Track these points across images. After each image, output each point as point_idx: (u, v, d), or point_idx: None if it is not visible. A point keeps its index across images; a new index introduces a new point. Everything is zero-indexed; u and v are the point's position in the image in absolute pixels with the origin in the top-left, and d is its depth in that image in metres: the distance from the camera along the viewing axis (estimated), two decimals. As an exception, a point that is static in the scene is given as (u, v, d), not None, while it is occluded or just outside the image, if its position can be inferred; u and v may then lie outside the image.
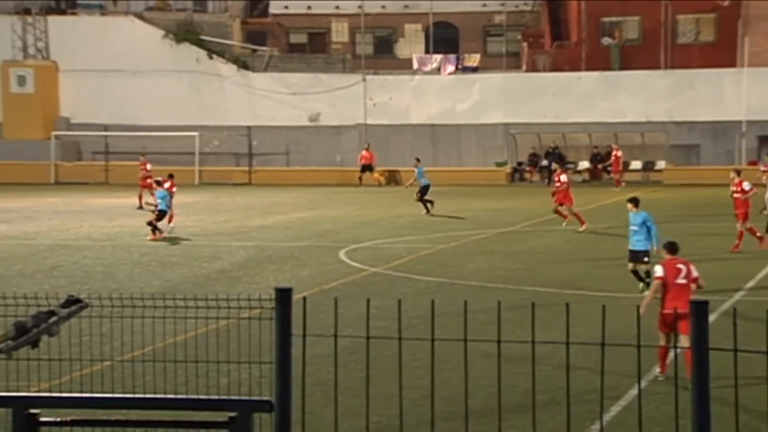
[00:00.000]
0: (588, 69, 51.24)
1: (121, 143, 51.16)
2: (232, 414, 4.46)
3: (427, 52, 55.24)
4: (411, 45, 58.19)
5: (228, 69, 52.83)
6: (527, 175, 50.51)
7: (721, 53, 50.14)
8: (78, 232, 29.24)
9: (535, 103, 50.46)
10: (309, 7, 59.20)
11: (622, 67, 51.65)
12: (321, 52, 57.97)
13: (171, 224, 28.68)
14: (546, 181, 48.38)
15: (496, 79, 52.12)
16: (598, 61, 51.41)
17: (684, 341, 11.22)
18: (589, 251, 23.83)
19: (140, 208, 35.07)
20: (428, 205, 33.73)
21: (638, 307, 5.43)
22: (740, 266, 21.69)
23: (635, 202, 18.86)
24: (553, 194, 29.76)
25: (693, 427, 4.23)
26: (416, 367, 10.83)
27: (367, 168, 49.26)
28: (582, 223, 28.30)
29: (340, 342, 5.20)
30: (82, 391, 5.75)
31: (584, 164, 50.11)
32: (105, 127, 51.61)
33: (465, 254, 24.28)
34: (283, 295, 4.53)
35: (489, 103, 50.97)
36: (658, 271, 12.62)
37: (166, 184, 29.24)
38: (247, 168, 51.28)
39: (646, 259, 18.21)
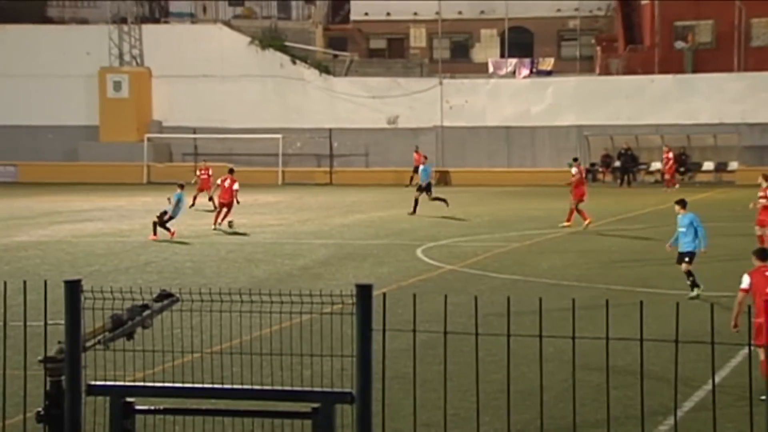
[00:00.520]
0: (661, 72, 51.59)
1: (209, 145, 52.76)
2: (315, 405, 4.51)
3: (502, 56, 55.71)
4: (486, 49, 58.50)
5: (310, 74, 54.00)
6: (600, 176, 51.14)
7: (795, 56, 50.28)
8: (180, 230, 29.27)
9: (608, 106, 51.12)
10: (388, 14, 59.78)
11: (695, 70, 51.88)
12: (399, 57, 58.74)
13: (229, 219, 29.43)
14: (618, 181, 49.26)
15: (570, 82, 52.71)
16: (671, 65, 51.75)
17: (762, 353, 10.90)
18: (661, 250, 22.68)
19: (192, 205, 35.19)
20: (441, 201, 33.51)
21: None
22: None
23: (683, 203, 18.70)
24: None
25: (767, 422, 4.39)
26: (492, 361, 11.11)
27: (418, 169, 50.13)
28: (568, 220, 28.79)
29: (418, 337, 5.21)
30: (173, 381, 5.72)
31: (656, 165, 50.69)
32: (194, 130, 53.10)
33: (539, 252, 24.32)
34: (364, 291, 4.54)
35: (563, 106, 51.67)
36: (744, 281, 11.52)
37: (227, 182, 29.68)
38: (328, 169, 52.38)
39: (687, 259, 18.10)
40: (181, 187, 28.55)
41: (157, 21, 58.52)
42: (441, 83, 53.10)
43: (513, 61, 54.16)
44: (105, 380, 4.92)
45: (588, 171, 51.53)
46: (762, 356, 10.93)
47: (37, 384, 5.43)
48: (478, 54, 59.53)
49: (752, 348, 10.63)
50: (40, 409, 4.95)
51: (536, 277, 20.61)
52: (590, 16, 57.58)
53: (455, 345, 11.33)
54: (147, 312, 5.21)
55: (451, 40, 59.49)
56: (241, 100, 53.76)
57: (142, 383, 5.33)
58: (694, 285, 17.90)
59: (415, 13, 59.44)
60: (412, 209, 33.53)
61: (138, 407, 4.69)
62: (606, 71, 53.89)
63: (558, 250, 25.08)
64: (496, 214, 33.69)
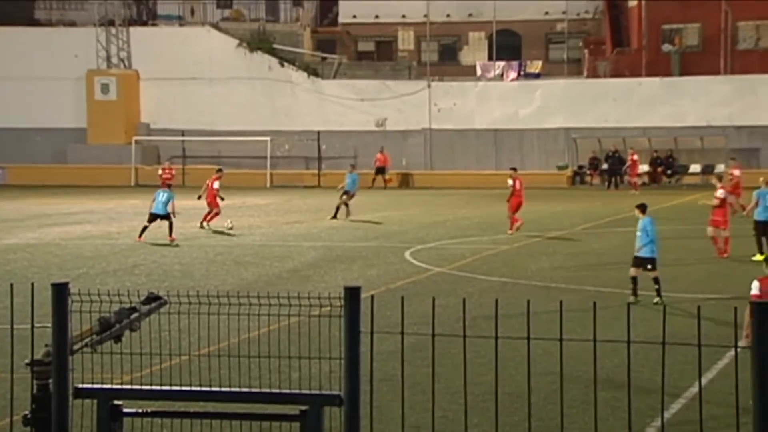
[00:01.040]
0: (648, 75, 51.84)
1: (197, 147, 52.77)
2: (304, 407, 4.53)
3: (490, 59, 55.80)
4: (475, 52, 58.74)
5: (299, 76, 54.02)
6: (588, 179, 51.36)
7: (781, 59, 50.59)
8: (157, 232, 29.01)
9: (596, 109, 51.32)
10: (376, 16, 59.83)
11: (683, 73, 52.11)
12: (388, 60, 58.78)
13: (227, 222, 29.91)
14: (606, 184, 49.43)
15: (558, 85, 52.91)
16: (659, 68, 51.97)
17: None
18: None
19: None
20: (341, 210, 33.02)
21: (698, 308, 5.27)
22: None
23: (642, 208, 18.39)
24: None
25: (755, 426, 4.19)
26: (480, 364, 11.13)
27: (380, 170, 50.30)
28: (511, 226, 28.97)
29: (406, 339, 5.22)
30: (161, 384, 5.74)
31: (644, 168, 50.95)
32: (182, 132, 53.02)
33: (528, 255, 24.43)
34: (352, 294, 4.55)
35: (551, 109, 51.86)
36: (754, 287, 11.12)
37: (211, 182, 30.70)
38: (316, 171, 52.57)
39: (650, 266, 17.67)
40: (169, 186, 29.32)
41: (144, 23, 58.46)
42: (429, 86, 53.23)
43: (501, 63, 54.33)
44: (92, 383, 4.91)
45: (576, 174, 51.86)
46: None
47: (24, 387, 5.46)
48: (466, 57, 59.68)
49: (738, 350, 10.72)
50: (27, 412, 4.96)
51: (525, 279, 20.71)
52: (578, 18, 57.81)
53: (443, 347, 11.32)
54: (135, 315, 5.21)
55: (440, 42, 59.65)
56: (229, 102, 53.80)
57: (129, 386, 5.35)
58: (635, 291, 17.42)
59: (404, 16, 59.56)
60: (334, 214, 33.24)
61: (126, 410, 4.69)
62: (594, 74, 54.11)
63: (547, 252, 25.20)
64: (485, 216, 33.84)
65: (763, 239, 23.50)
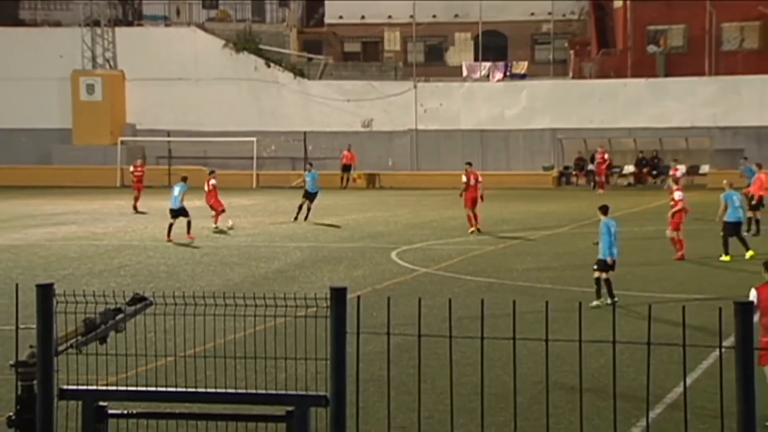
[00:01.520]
0: (634, 76, 52.02)
1: (183, 148, 52.71)
2: (290, 408, 4.55)
3: (476, 59, 55.87)
4: (461, 53, 58.79)
5: (285, 77, 53.96)
6: (574, 179, 51.56)
7: (765, 60, 50.71)
8: (143, 233, 29.78)
9: (581, 109, 51.48)
10: (363, 17, 59.74)
11: (668, 74, 52.33)
12: (374, 60, 58.84)
13: (228, 222, 30.07)
14: (592, 184, 49.58)
15: (544, 85, 53.04)
16: (644, 68, 52.17)
17: None
18: (635, 253, 23.43)
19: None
20: (301, 211, 32.60)
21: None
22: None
23: (603, 209, 18.30)
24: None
25: (738, 426, 4.19)
26: (466, 364, 11.03)
27: (347, 168, 50.49)
28: (471, 225, 29.12)
29: (392, 339, 5.25)
30: (147, 385, 5.94)
31: (629, 168, 51.16)
32: (168, 133, 52.91)
33: (514, 255, 24.58)
34: (338, 294, 4.55)
35: (537, 109, 52.00)
36: (751, 295, 10.68)
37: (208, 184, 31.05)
38: (303, 172, 52.54)
39: (596, 266, 17.63)
40: (184, 179, 29.26)
41: (130, 24, 58.31)
42: (415, 86, 53.28)
43: (487, 64, 54.41)
44: (77, 384, 4.90)
45: (561, 174, 52.02)
46: None
47: (9, 389, 5.55)
48: (452, 57, 59.76)
49: (723, 351, 10.73)
50: (11, 413, 4.95)
51: (511, 279, 20.86)
52: (564, 19, 57.92)
53: (430, 348, 11.59)
54: (120, 316, 5.20)
55: (426, 43, 59.68)
56: (215, 103, 53.72)
57: (115, 387, 5.35)
58: (599, 293, 17.45)
59: (390, 17, 59.58)
60: (296, 216, 32.94)
61: (111, 411, 4.67)
62: (579, 75, 54.26)
63: (532, 252, 25.30)
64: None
65: (731, 240, 23.71)
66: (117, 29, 55.30)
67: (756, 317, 10.31)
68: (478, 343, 5.00)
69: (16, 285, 5.77)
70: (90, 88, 53.79)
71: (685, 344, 4.78)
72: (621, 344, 5.36)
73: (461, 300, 17.26)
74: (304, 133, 52.65)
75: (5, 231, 30.65)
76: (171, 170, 51.85)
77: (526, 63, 55.48)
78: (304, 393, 4.71)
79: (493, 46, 56.89)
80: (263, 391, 5.04)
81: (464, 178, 30.20)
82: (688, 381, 11.55)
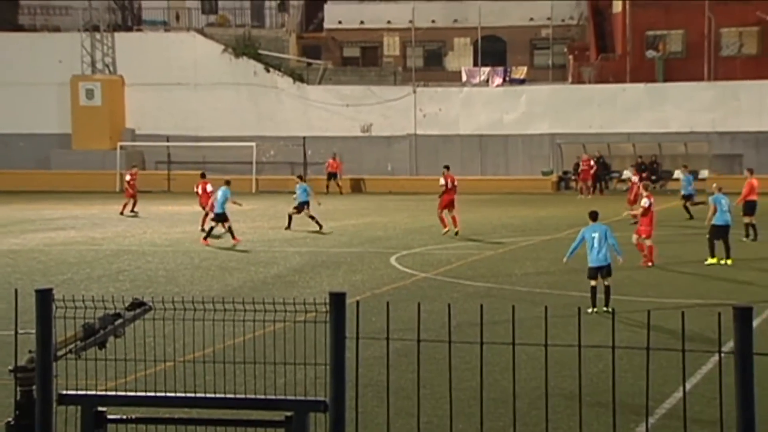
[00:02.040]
0: (633, 81, 52.09)
1: (182, 153, 52.79)
2: (289, 413, 4.52)
3: (475, 64, 55.98)
4: (460, 58, 58.94)
5: (284, 81, 54.02)
6: (573, 184, 51.60)
7: (764, 66, 50.81)
8: (142, 238, 29.73)
9: (580, 114, 51.54)
10: (362, 22, 59.95)
11: (667, 79, 52.44)
12: (373, 65, 58.92)
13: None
14: (591, 189, 49.59)
15: (543, 90, 53.09)
16: (643, 74, 52.25)
17: None
18: (633, 258, 23.13)
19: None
20: (292, 220, 31.81)
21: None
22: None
23: (592, 216, 18.23)
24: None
25: (738, 431, 4.20)
26: (465, 369, 10.99)
27: (332, 176, 50.51)
28: (445, 226, 29.62)
29: (391, 345, 5.23)
30: (146, 390, 5.77)
31: (628, 173, 51.07)
32: (167, 138, 52.96)
33: (512, 260, 24.59)
34: (337, 299, 4.55)
35: (536, 114, 52.07)
36: None
37: (198, 188, 31.36)
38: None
39: (607, 277, 17.48)
40: (228, 183, 29.43)
41: (129, 29, 58.34)
42: (414, 91, 53.33)
43: (486, 69, 54.48)
44: (77, 390, 4.89)
45: (560, 179, 52.05)
46: None
47: (8, 394, 5.56)
48: (451, 62, 59.84)
49: (722, 356, 10.75)
50: (10, 419, 4.95)
51: (510, 284, 20.85)
52: (563, 25, 57.99)
53: (429, 353, 11.51)
54: (119, 321, 5.20)
55: (425, 48, 59.76)
56: (214, 108, 53.78)
57: (114, 392, 5.31)
58: (593, 303, 17.24)
59: (389, 22, 59.66)
60: (286, 223, 32.27)
61: (110, 417, 4.67)
62: (578, 80, 54.34)
63: (531, 257, 25.31)
64: (470, 222, 33.92)
65: (717, 243, 23.72)
66: (116, 34, 55.40)
67: None
68: (477, 348, 5.01)
69: (15, 290, 5.75)
70: (89, 93, 53.86)
71: (684, 349, 4.80)
72: (620, 349, 5.19)
73: (460, 305, 17.26)
74: (303, 138, 52.73)
75: (4, 236, 30.63)
76: (170, 175, 51.95)
77: (525, 68, 55.53)
78: (303, 398, 4.71)
79: (492, 51, 57.00)
80: (262, 397, 4.95)
81: (442, 181, 30.63)
82: (688, 386, 11.51)
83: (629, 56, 53.26)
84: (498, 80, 54.20)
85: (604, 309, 17.10)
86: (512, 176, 51.83)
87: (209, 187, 31.51)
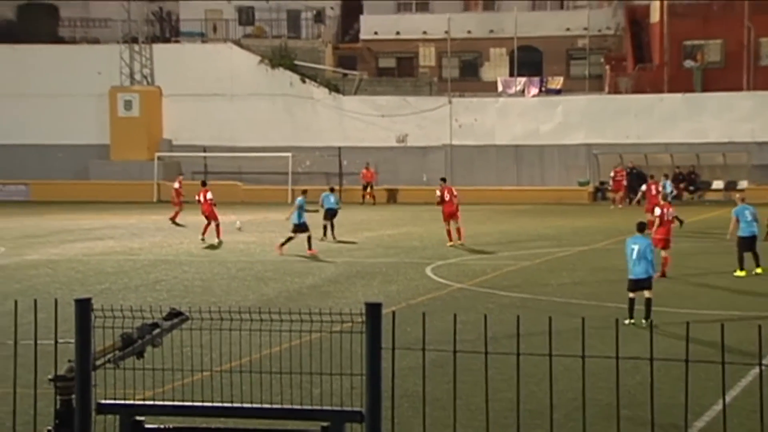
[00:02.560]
0: (670, 91, 51.75)
1: (219, 163, 53.26)
2: (325, 424, 4.51)
3: (511, 75, 55.89)
4: (496, 68, 58.87)
5: (320, 92, 54.31)
6: (609, 194, 51.34)
7: (803, 75, 50.42)
8: (179, 248, 29.90)
9: (617, 124, 51.26)
10: (398, 33, 60.16)
11: (705, 89, 52.03)
12: (409, 76, 58.99)
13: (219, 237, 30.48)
14: (628, 200, 49.25)
15: (579, 101, 52.89)
16: (681, 84, 51.89)
17: None
18: (671, 269, 23.22)
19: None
20: (327, 230, 32.12)
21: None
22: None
23: (639, 227, 18.00)
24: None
25: None
26: (501, 380, 11.16)
27: (367, 186, 50.61)
28: (450, 239, 29.58)
29: (427, 355, 5.25)
30: (183, 400, 5.69)
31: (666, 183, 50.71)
32: (204, 149, 53.49)
33: (549, 271, 24.45)
34: (373, 310, 4.56)
35: (572, 125, 51.87)
36: None
37: (200, 196, 31.51)
38: (337, 187, 52.80)
39: (646, 290, 17.34)
40: (304, 192, 29.84)
41: (167, 40, 58.94)
42: (450, 102, 53.34)
43: (522, 79, 54.38)
44: (115, 399, 4.95)
45: (597, 190, 51.74)
46: None
47: (47, 403, 5.48)
48: (487, 73, 59.79)
49: (763, 368, 10.67)
50: (50, 427, 4.97)
51: (546, 295, 20.76)
52: (599, 35, 57.77)
53: (464, 363, 11.59)
54: (157, 330, 5.23)
55: (460, 58, 59.78)
56: (250, 118, 54.10)
57: (151, 402, 5.28)
58: (631, 314, 17.18)
59: (425, 32, 59.77)
60: (323, 234, 32.24)
61: (148, 426, 4.70)
62: (615, 90, 54.08)
63: (567, 268, 25.20)
64: (506, 232, 33.85)
65: (746, 255, 23.40)
66: (154, 46, 55.95)
67: None
68: (512, 359, 4.95)
69: (55, 300, 5.82)
70: (127, 104, 54.38)
71: (724, 361, 4.74)
72: (658, 361, 5.26)
73: (495, 315, 17.23)
74: (339, 148, 52.90)
75: (43, 246, 30.97)
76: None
77: (561, 78, 55.39)
78: (339, 408, 4.67)
79: (528, 61, 56.86)
80: (298, 407, 4.88)
81: (438, 193, 30.95)
82: (727, 399, 11.43)
83: (667, 66, 52.92)
84: (534, 90, 54.07)
85: (643, 321, 16.97)
86: (548, 186, 51.63)
87: (209, 195, 31.81)
